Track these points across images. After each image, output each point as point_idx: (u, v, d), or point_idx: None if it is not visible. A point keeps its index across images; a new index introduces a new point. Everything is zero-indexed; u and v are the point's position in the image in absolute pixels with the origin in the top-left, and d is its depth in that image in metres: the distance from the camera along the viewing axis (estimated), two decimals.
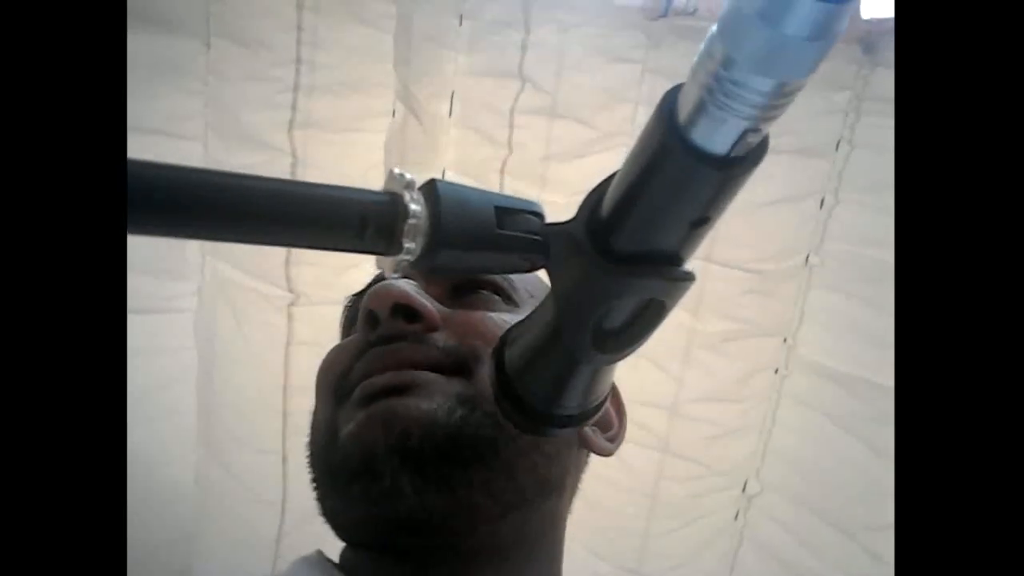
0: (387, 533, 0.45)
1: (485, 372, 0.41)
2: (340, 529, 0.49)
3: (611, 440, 0.53)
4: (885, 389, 1.26)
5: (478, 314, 0.49)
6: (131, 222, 0.25)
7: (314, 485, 0.50)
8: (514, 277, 0.55)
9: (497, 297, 0.52)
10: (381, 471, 0.42)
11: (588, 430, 0.51)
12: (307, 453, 0.51)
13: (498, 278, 0.52)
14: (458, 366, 0.46)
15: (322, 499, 0.48)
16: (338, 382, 0.48)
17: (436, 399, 0.43)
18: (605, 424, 0.54)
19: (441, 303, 0.49)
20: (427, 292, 0.49)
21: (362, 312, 0.49)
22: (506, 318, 0.48)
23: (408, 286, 0.47)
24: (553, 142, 1.35)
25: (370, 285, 0.53)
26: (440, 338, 0.47)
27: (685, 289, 0.33)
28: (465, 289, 0.52)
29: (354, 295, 0.58)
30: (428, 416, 0.43)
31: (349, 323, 0.58)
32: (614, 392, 0.56)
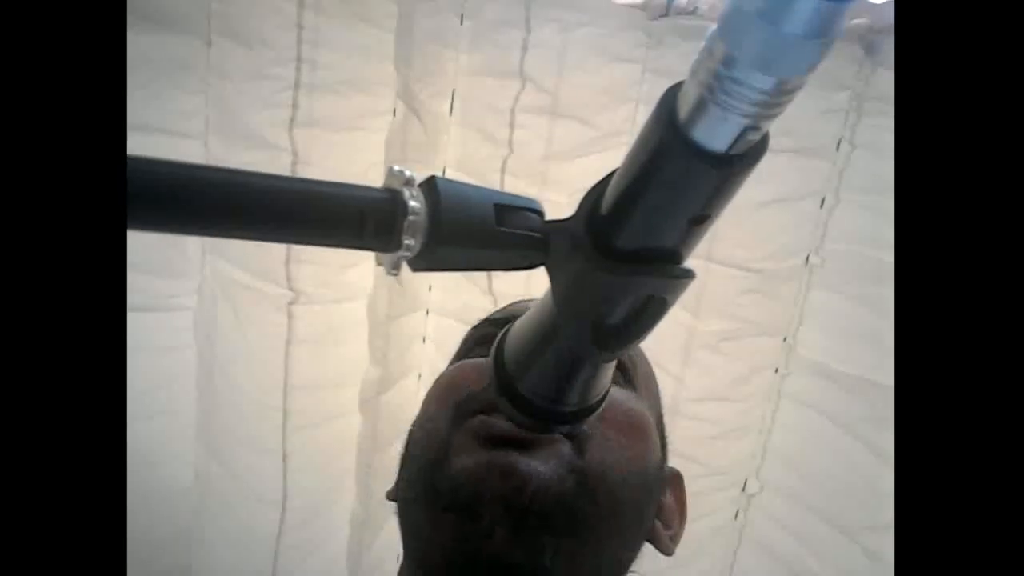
0: (461, 569, 0.45)
1: (595, 447, 0.45)
2: (414, 542, 0.49)
3: (671, 539, 0.55)
4: (885, 389, 1.26)
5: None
6: (130, 218, 0.25)
7: (403, 488, 0.51)
8: (637, 360, 0.56)
9: (618, 372, 0.53)
10: (482, 513, 0.43)
11: (659, 524, 0.53)
12: (404, 451, 0.53)
13: (624, 358, 0.53)
14: (575, 435, 0.47)
15: (407, 507, 0.50)
16: (460, 402, 0.49)
17: (552, 463, 0.44)
18: (666, 522, 0.55)
19: None
20: None
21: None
22: (624, 397, 0.50)
23: None
24: (554, 141, 1.35)
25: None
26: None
27: (685, 286, 0.33)
28: None
29: (487, 319, 0.60)
30: (543, 479, 0.43)
31: (475, 343, 0.58)
32: (679, 495, 0.58)
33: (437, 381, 0.54)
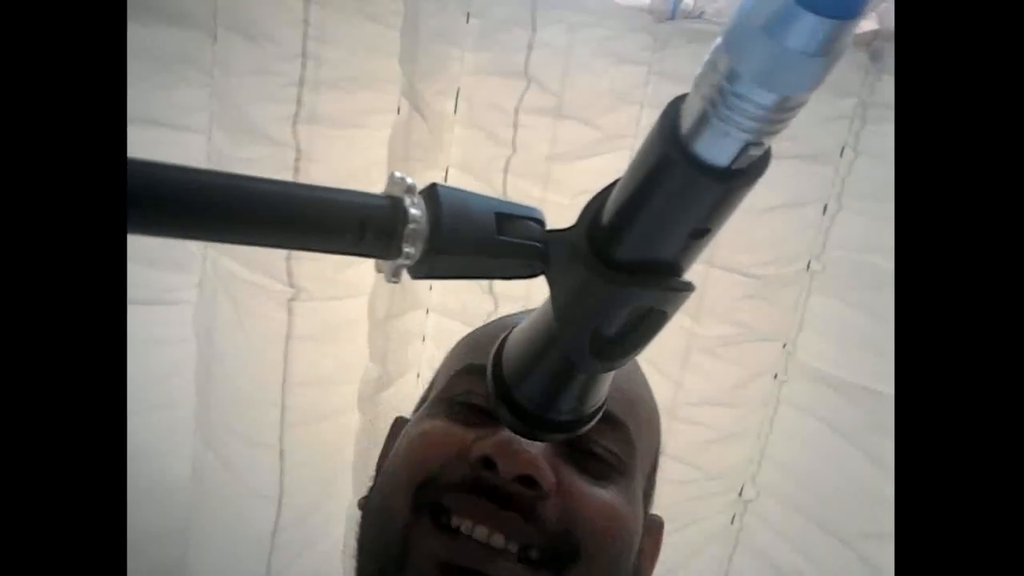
0: None
1: (585, 564, 0.45)
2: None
3: None
4: (884, 397, 1.25)
5: (596, 495, 0.48)
6: (128, 222, 0.25)
7: (364, 545, 0.52)
8: (637, 402, 0.54)
9: (612, 466, 0.50)
10: None
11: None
12: (358, 532, 0.53)
13: (618, 451, 0.51)
14: (557, 556, 0.46)
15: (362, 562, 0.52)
16: (423, 486, 0.47)
17: None
18: (638, 565, 0.53)
19: (551, 456, 0.48)
20: (545, 450, 0.47)
21: (487, 447, 0.46)
22: (619, 500, 0.49)
23: (538, 454, 0.46)
24: (557, 142, 1.35)
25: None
26: (551, 512, 0.46)
27: (684, 299, 0.33)
28: (582, 452, 0.50)
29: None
30: None
31: (458, 408, 0.53)
32: (656, 541, 0.58)
33: (402, 454, 0.51)
